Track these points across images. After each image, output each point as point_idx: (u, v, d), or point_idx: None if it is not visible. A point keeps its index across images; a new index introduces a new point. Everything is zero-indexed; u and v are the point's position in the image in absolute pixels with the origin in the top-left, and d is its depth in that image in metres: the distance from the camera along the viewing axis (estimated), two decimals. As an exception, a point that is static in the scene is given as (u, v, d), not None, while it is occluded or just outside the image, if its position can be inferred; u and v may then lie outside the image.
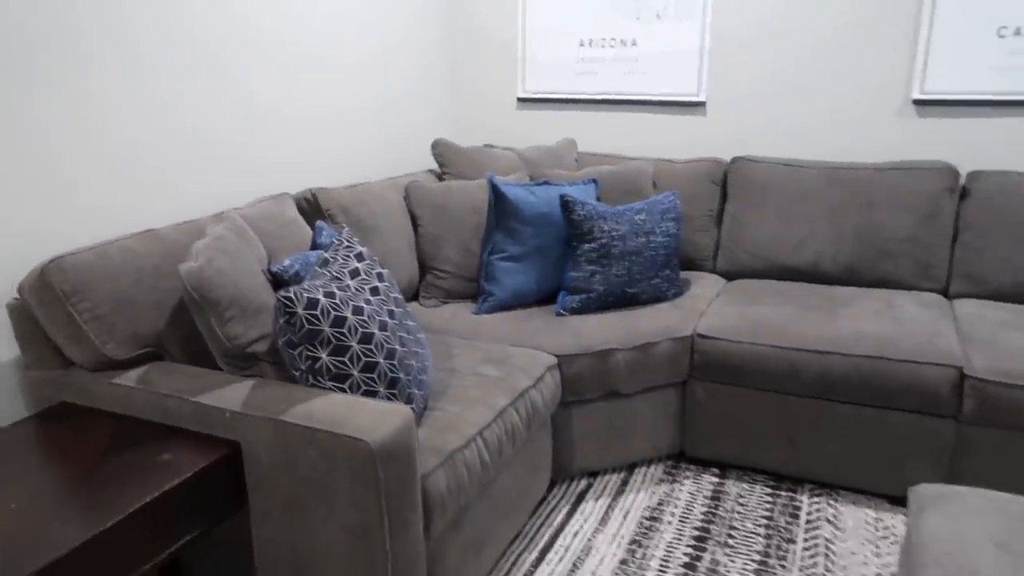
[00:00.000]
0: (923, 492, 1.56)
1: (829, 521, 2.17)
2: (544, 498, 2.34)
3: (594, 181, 2.82)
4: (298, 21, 2.55)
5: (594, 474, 2.46)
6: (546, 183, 2.69)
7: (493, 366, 2.08)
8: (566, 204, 2.52)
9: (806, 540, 2.09)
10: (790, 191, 2.80)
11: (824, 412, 2.24)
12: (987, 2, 2.62)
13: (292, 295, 1.56)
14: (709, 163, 2.97)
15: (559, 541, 2.12)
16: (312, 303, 1.58)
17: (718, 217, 2.96)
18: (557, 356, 2.23)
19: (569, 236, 2.54)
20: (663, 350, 2.34)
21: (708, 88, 3.11)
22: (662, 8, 3.08)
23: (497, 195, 2.55)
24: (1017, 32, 2.61)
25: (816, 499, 2.29)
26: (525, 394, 2.02)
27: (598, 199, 2.83)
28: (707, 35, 3.04)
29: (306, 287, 1.60)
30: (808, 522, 2.17)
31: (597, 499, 2.31)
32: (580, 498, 2.32)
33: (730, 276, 2.92)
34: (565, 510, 2.26)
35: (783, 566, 1.99)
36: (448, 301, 2.65)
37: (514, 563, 2.03)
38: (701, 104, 3.13)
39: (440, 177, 3.00)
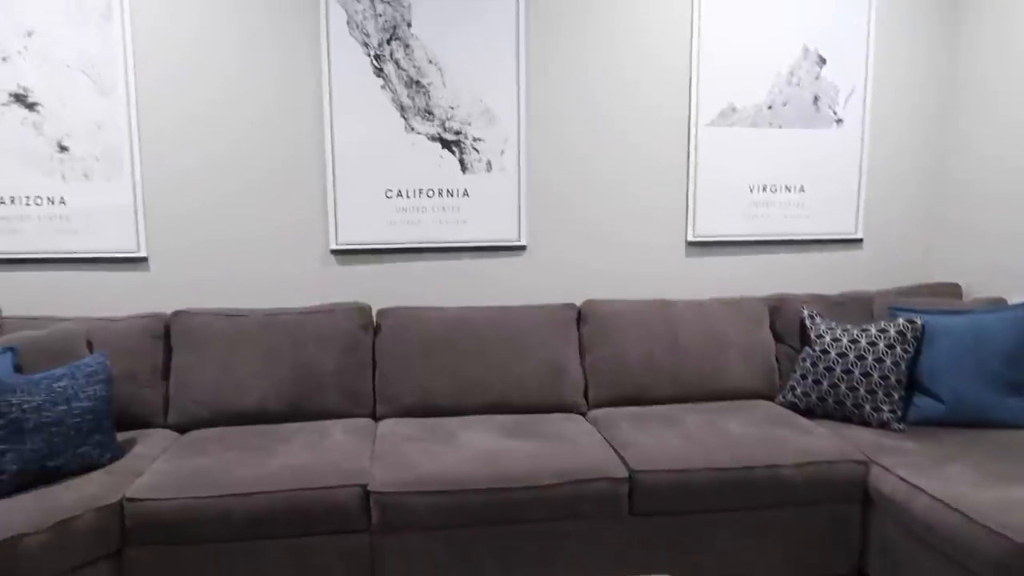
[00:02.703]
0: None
1: (271, 659, 2.24)
2: None
3: (11, 349, 2.61)
4: None
5: None
6: (-57, 359, 2.40)
7: None
8: (-38, 381, 2.28)
9: None
10: (229, 340, 2.95)
11: (259, 552, 2.34)
12: (374, 172, 3.19)
13: None
14: (149, 318, 2.98)
15: None
16: None
17: (164, 372, 2.96)
18: (-54, 559, 1.96)
19: (-29, 416, 2.29)
20: (86, 523, 2.22)
21: (148, 243, 3.14)
22: (89, 168, 3.06)
23: None
24: (399, 194, 3.21)
25: (263, 639, 2.35)
26: None
27: (18, 368, 2.61)
28: (140, 192, 3.10)
29: None
30: (250, 666, 2.22)
31: None
32: None
33: (184, 429, 2.91)
34: None
35: None
36: None
37: None
38: (143, 259, 3.15)
39: None
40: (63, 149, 3.05)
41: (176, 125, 3.11)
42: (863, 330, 2.90)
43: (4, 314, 3.01)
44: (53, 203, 3.07)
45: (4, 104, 2.98)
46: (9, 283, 3.09)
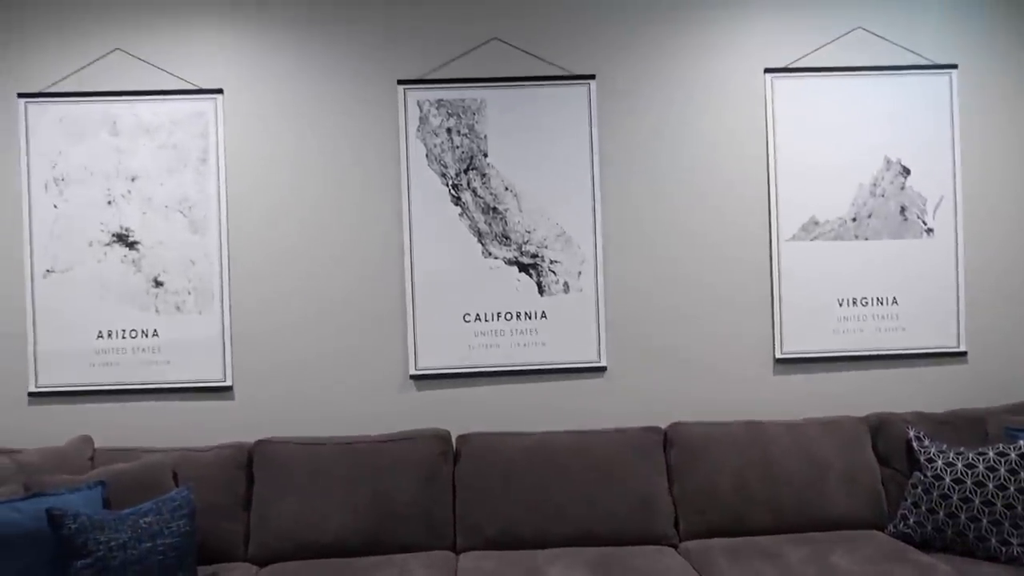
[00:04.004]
0: None
1: None
2: None
3: (101, 484, 2.65)
4: None
5: None
6: (38, 495, 2.45)
7: None
8: (53, 518, 2.31)
9: None
10: (310, 470, 2.92)
11: None
12: (452, 297, 3.22)
13: None
14: (233, 448, 2.99)
15: None
16: None
17: (246, 503, 2.94)
18: None
19: (61, 554, 2.31)
20: (164, 671, 2.16)
21: (234, 372, 3.21)
22: (181, 301, 3.18)
23: (-36, 519, 2.25)
24: (477, 318, 3.21)
25: None
26: None
27: (106, 503, 2.64)
28: (228, 323, 3.20)
29: None
30: None
31: None
32: None
33: (263, 562, 2.86)
34: None
35: None
36: None
37: None
38: (228, 388, 3.21)
39: (-96, 499, 2.55)
40: (158, 284, 3.19)
41: (264, 259, 3.23)
42: (979, 454, 2.67)
43: (96, 445, 3.08)
44: (147, 336, 3.19)
45: (107, 244, 3.17)
46: (103, 415, 3.18)
